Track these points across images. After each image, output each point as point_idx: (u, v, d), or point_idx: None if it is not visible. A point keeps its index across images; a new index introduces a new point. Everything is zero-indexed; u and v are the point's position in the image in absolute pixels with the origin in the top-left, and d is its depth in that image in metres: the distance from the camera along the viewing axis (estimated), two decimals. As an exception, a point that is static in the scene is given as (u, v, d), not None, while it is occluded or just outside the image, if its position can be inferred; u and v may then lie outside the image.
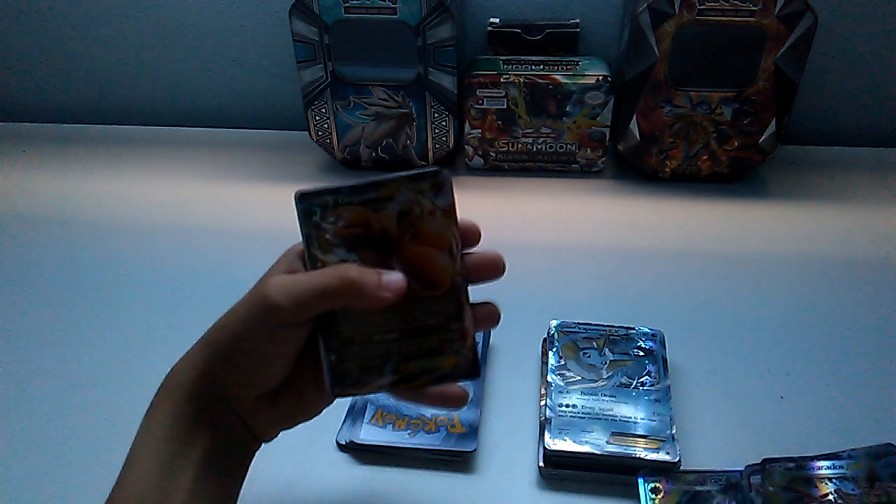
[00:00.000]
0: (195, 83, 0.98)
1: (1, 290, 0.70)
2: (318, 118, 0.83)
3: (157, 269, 0.72)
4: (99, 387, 0.58)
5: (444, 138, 0.83)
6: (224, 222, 0.79)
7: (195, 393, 0.38)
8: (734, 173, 0.82)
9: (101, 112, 1.02)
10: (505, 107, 0.80)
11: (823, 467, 0.36)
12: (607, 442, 0.49)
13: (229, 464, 0.39)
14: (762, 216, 0.78)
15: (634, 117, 0.79)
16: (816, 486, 0.36)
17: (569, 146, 0.82)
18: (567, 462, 0.49)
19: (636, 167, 0.82)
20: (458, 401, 0.40)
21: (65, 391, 0.58)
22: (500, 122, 0.81)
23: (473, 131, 0.82)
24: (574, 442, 0.49)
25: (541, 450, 0.50)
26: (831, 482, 0.36)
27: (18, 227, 0.79)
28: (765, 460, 0.36)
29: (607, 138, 0.81)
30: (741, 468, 0.40)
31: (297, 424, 0.42)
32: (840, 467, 0.36)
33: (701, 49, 0.80)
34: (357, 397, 0.55)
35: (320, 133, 0.84)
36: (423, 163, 0.85)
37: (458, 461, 0.51)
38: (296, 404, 0.40)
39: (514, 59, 0.82)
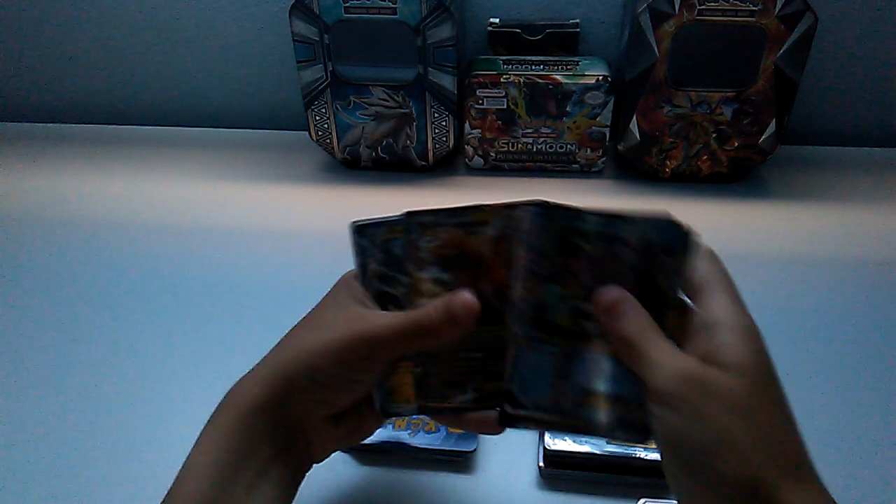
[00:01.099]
0: (195, 83, 0.98)
1: (0, 289, 0.70)
2: (318, 118, 0.83)
3: (157, 269, 0.72)
4: (99, 387, 0.58)
5: (444, 138, 0.83)
6: (224, 222, 0.79)
7: (263, 406, 0.38)
8: (734, 173, 0.82)
9: (101, 112, 1.02)
10: (505, 107, 0.80)
11: (602, 224, 0.34)
12: (607, 442, 0.49)
13: (284, 479, 0.39)
14: (762, 216, 0.78)
15: (634, 117, 0.79)
16: (591, 241, 0.34)
17: (569, 146, 0.82)
18: (567, 462, 0.49)
19: (636, 167, 0.82)
20: (495, 427, 0.40)
21: (64, 391, 0.58)
22: (500, 122, 0.81)
23: (473, 131, 0.82)
24: (574, 442, 0.49)
25: (541, 450, 0.50)
26: (605, 240, 0.34)
27: (18, 227, 0.79)
28: (545, 204, 0.34)
29: (607, 138, 0.81)
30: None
31: (350, 445, 0.43)
32: (617, 228, 0.34)
33: (701, 49, 0.80)
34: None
35: (320, 133, 0.84)
36: (423, 163, 0.85)
37: (458, 461, 0.51)
38: (355, 425, 0.42)
39: (514, 59, 0.82)
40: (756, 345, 0.32)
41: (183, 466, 0.37)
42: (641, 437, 0.35)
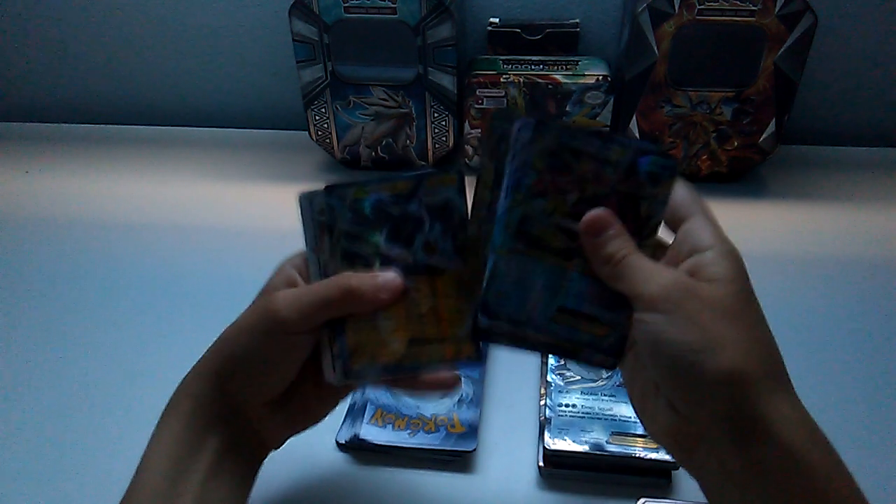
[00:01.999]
0: (195, 83, 0.98)
1: (0, 289, 0.70)
2: (317, 118, 0.83)
3: (157, 269, 0.72)
4: (99, 386, 0.58)
5: (444, 138, 0.83)
6: (224, 222, 0.79)
7: (206, 401, 0.39)
8: (734, 173, 0.82)
9: (99, 112, 1.02)
10: (505, 106, 0.80)
11: (593, 145, 0.35)
12: (607, 441, 0.49)
13: (238, 470, 0.40)
14: (762, 216, 0.78)
15: (634, 117, 0.79)
16: (580, 161, 0.35)
17: (569, 146, 0.82)
18: (567, 462, 0.49)
19: (636, 167, 0.82)
20: (450, 385, 0.40)
21: (64, 391, 0.58)
22: (493, 113, 0.81)
23: (473, 131, 0.82)
24: (574, 442, 0.49)
25: (541, 449, 0.50)
26: (593, 161, 0.35)
27: (18, 227, 0.79)
28: (540, 118, 0.35)
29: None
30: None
31: (303, 429, 0.43)
32: (607, 150, 0.35)
33: (701, 49, 0.80)
34: (358, 396, 0.55)
35: (320, 133, 0.84)
36: (423, 163, 0.85)
37: (458, 461, 0.51)
38: (302, 409, 0.42)
39: (514, 58, 0.82)
40: (737, 263, 0.33)
41: (139, 463, 0.37)
42: (612, 361, 0.36)
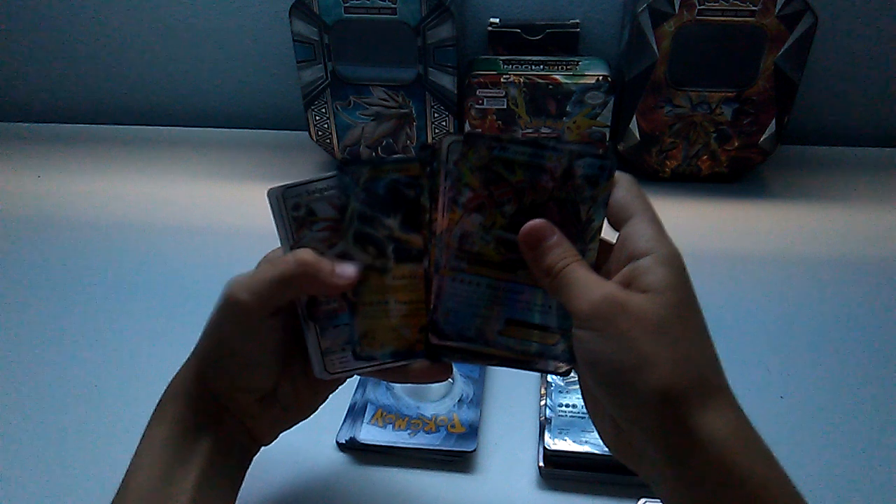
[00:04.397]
0: (195, 83, 0.98)
1: (0, 289, 0.70)
2: (318, 118, 0.83)
3: (157, 270, 0.72)
4: (99, 386, 0.58)
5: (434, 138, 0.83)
6: (224, 222, 0.79)
7: (195, 401, 0.39)
8: (734, 173, 0.82)
9: (101, 112, 1.02)
10: (505, 107, 0.80)
11: (526, 153, 0.34)
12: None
13: (230, 469, 0.40)
14: (762, 216, 0.78)
15: (634, 117, 0.79)
16: (514, 171, 0.35)
17: (569, 146, 0.82)
18: (567, 462, 0.49)
19: (636, 167, 0.82)
20: (438, 374, 0.40)
21: (64, 391, 0.58)
22: (500, 122, 0.81)
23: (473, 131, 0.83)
24: (574, 442, 0.49)
25: (541, 450, 0.50)
26: (528, 170, 0.35)
27: (18, 227, 0.79)
28: (468, 133, 0.35)
29: (607, 138, 0.81)
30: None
31: (294, 425, 0.43)
32: (541, 157, 0.34)
33: (701, 49, 0.80)
34: (358, 397, 0.55)
35: (320, 133, 0.84)
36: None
37: (458, 461, 0.51)
38: (292, 404, 0.41)
39: (514, 59, 0.82)
40: (675, 269, 0.32)
41: (127, 472, 0.37)
42: (566, 368, 0.36)
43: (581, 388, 0.37)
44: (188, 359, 0.40)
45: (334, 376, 0.40)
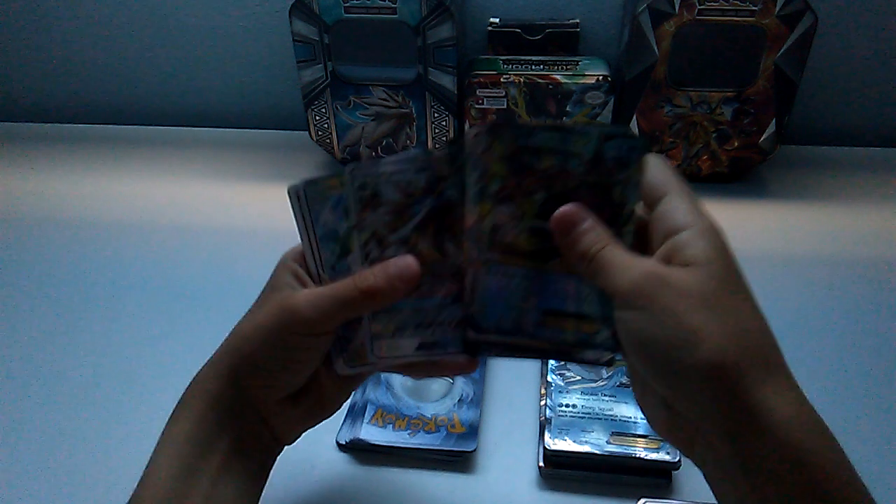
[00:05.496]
0: (195, 83, 0.98)
1: (0, 290, 0.70)
2: (318, 118, 0.83)
3: (158, 269, 0.72)
4: (99, 386, 0.58)
5: (444, 138, 0.83)
6: (224, 222, 0.79)
7: (219, 398, 0.38)
8: (734, 173, 0.82)
9: (101, 112, 1.02)
10: (505, 107, 0.80)
11: (552, 139, 0.33)
12: (607, 442, 0.49)
13: (250, 467, 0.40)
14: (762, 216, 0.78)
15: (634, 117, 0.79)
16: (542, 159, 0.33)
17: (569, 146, 0.82)
18: (567, 462, 0.49)
19: (636, 167, 0.82)
20: (464, 367, 0.40)
21: (64, 391, 0.58)
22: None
23: (473, 131, 0.82)
24: (574, 442, 0.49)
25: (541, 450, 0.50)
26: (556, 156, 0.33)
27: (19, 227, 0.79)
28: (493, 123, 0.34)
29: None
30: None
31: (317, 423, 0.43)
32: (568, 142, 0.33)
33: (701, 49, 0.80)
34: (358, 397, 0.55)
35: (320, 133, 0.84)
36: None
37: (458, 461, 0.51)
38: (317, 403, 0.41)
39: (514, 59, 0.81)
40: (716, 241, 0.31)
41: (148, 463, 0.37)
42: (608, 357, 0.35)
43: (629, 374, 0.35)
44: (215, 357, 0.40)
45: (359, 370, 0.40)
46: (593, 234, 0.33)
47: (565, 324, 0.35)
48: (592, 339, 0.35)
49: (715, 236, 0.32)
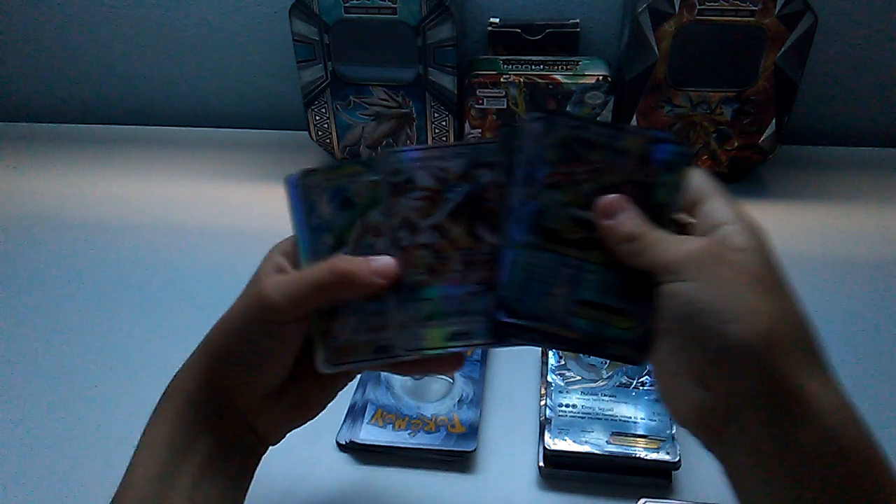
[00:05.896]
0: (195, 83, 0.98)
1: (0, 289, 0.70)
2: (318, 118, 0.83)
3: (157, 269, 0.72)
4: (99, 386, 0.58)
5: (444, 138, 0.83)
6: (224, 222, 0.79)
7: (198, 397, 0.38)
8: (734, 173, 0.82)
9: (101, 112, 1.02)
10: (505, 107, 0.80)
11: (604, 135, 0.35)
12: (607, 442, 0.49)
13: (232, 467, 0.39)
14: (762, 216, 0.76)
15: (634, 117, 0.79)
16: (592, 151, 0.35)
17: (569, 146, 0.82)
18: (567, 462, 0.49)
19: (636, 167, 0.82)
20: (455, 363, 0.40)
21: (64, 391, 0.58)
22: (500, 122, 0.81)
23: (473, 131, 0.82)
24: (574, 442, 0.49)
25: (541, 450, 0.50)
26: (606, 151, 0.35)
27: (19, 227, 0.79)
28: (549, 111, 0.35)
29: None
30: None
31: (301, 424, 0.42)
32: (618, 139, 0.35)
33: (701, 49, 0.80)
34: (358, 397, 0.55)
35: (320, 133, 0.84)
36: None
37: (458, 461, 0.51)
38: (299, 402, 0.41)
39: (514, 59, 0.81)
40: (763, 236, 0.32)
41: (129, 466, 0.37)
42: (638, 355, 0.35)
43: (656, 363, 0.34)
44: (193, 354, 0.39)
45: (339, 368, 0.39)
46: (636, 218, 0.34)
47: (599, 316, 0.35)
48: (625, 334, 0.35)
49: (760, 232, 0.33)
